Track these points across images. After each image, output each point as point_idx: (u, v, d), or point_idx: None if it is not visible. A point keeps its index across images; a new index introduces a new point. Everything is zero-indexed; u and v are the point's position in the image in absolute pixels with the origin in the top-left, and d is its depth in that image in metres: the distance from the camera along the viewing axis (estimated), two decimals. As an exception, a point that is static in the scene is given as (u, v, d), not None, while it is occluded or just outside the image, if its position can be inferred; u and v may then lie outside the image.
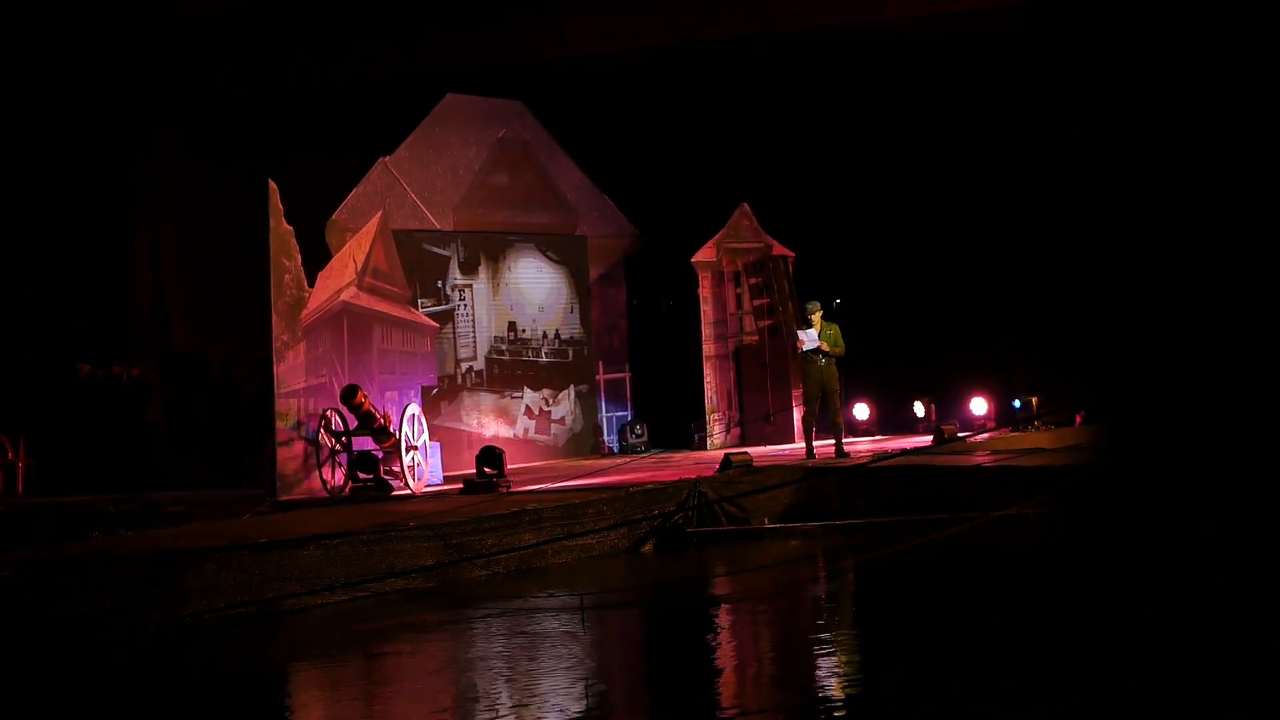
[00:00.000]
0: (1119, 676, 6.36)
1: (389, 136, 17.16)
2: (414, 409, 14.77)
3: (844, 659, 7.91)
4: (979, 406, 17.55)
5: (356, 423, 14.20)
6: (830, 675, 7.51)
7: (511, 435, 17.94)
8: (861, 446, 16.27)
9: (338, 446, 14.24)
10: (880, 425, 18.37)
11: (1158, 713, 5.82)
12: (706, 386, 18.50)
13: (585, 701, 6.87)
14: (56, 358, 17.50)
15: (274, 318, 14.15)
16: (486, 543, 11.23)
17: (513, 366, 18.32)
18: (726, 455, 13.93)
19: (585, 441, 18.99)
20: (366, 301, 15.60)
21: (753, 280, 18.45)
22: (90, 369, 17.53)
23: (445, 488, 14.70)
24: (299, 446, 14.26)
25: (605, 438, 19.21)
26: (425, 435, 14.78)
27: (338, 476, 14.19)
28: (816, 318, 15.06)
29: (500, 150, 18.26)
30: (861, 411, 18.29)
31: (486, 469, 13.98)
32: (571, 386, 18.91)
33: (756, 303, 18.45)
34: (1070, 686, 6.47)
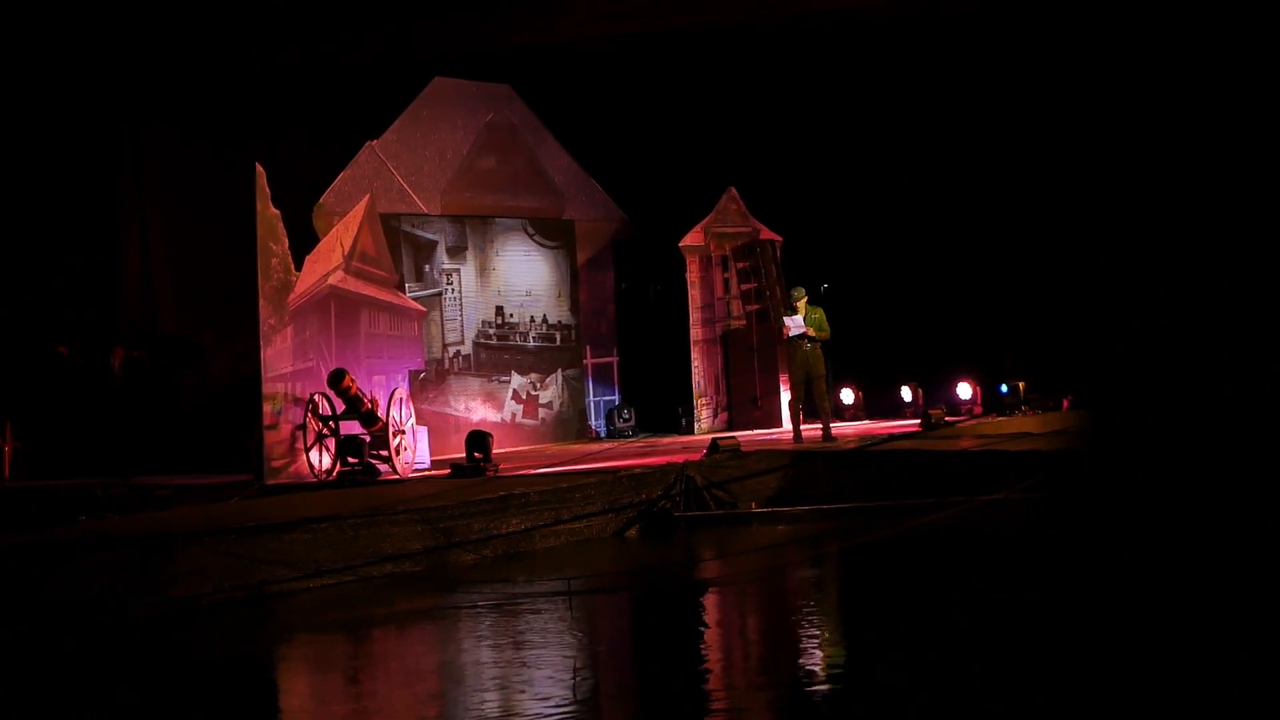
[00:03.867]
0: (1105, 659, 6.41)
1: (377, 120, 17.12)
2: (401, 393, 14.78)
3: (830, 643, 7.95)
4: (965, 391, 17.61)
5: (344, 407, 14.20)
6: (816, 659, 7.54)
7: (499, 420, 17.93)
8: (848, 430, 16.30)
9: (325, 430, 14.24)
10: (867, 409, 18.41)
11: (1147, 694, 5.87)
12: (694, 371, 18.51)
13: (573, 685, 6.90)
14: (44, 342, 17.42)
15: (261, 302, 14.13)
16: (474, 527, 11.25)
17: (500, 351, 18.30)
18: (714, 440, 13.94)
19: (573, 426, 19.00)
20: (354, 285, 15.58)
21: (740, 264, 18.45)
22: (68, 351, 17.42)
23: (432, 472, 14.71)
24: (286, 430, 14.26)
25: (593, 422, 19.22)
26: (412, 419, 14.79)
27: (325, 460, 14.19)
28: (801, 303, 15.12)
29: (488, 134, 18.23)
30: (848, 396, 18.34)
31: (475, 453, 13.98)
32: (559, 371, 18.90)
33: (744, 287, 18.45)
34: (1056, 668, 6.52)
